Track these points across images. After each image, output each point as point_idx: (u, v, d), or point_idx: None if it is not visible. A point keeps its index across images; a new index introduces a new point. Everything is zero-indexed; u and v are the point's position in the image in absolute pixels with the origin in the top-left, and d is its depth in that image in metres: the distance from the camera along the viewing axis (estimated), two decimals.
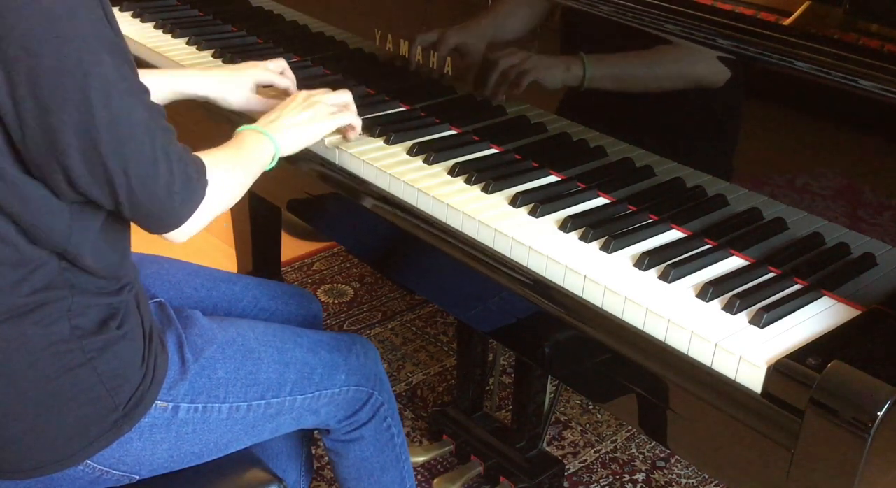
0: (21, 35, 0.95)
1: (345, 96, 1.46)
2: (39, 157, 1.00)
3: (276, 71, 1.56)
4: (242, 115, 1.53)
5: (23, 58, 0.95)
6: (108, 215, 1.11)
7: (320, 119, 1.40)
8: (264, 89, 1.56)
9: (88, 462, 1.17)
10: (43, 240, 1.06)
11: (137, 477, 1.24)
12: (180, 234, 1.14)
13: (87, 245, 1.09)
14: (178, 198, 1.08)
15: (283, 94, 1.55)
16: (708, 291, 1.13)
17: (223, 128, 1.40)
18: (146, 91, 1.07)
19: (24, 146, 1.00)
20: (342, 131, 1.48)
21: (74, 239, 1.08)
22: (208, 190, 1.13)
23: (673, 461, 2.09)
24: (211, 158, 1.17)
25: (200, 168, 1.13)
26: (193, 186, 1.10)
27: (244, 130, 1.32)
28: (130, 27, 1.97)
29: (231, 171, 1.21)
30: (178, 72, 1.49)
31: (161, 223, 1.11)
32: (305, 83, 1.65)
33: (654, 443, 2.14)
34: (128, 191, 1.04)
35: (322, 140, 1.47)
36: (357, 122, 1.47)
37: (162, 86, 1.42)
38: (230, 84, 1.50)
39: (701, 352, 1.06)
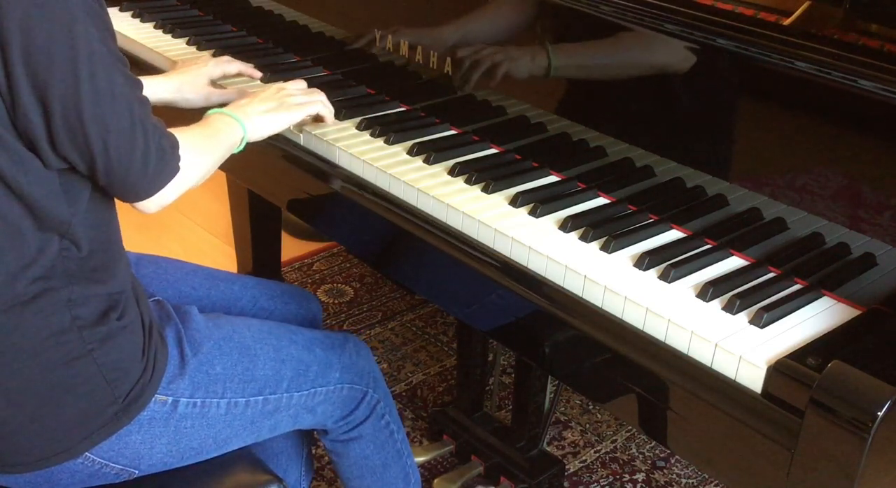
0: (16, 12, 0.98)
1: (315, 95, 1.50)
2: (29, 124, 1.03)
3: (223, 62, 1.62)
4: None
5: (17, 32, 0.98)
6: (93, 188, 1.13)
7: (288, 108, 1.43)
8: (222, 83, 1.63)
9: (88, 454, 1.18)
10: (48, 216, 1.08)
11: (137, 472, 1.24)
12: (151, 204, 1.16)
13: (79, 219, 1.11)
14: (151, 169, 1.11)
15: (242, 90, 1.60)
16: (708, 291, 1.13)
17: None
18: (126, 63, 1.10)
19: (15, 115, 1.03)
20: (314, 118, 1.52)
21: (71, 209, 1.10)
22: (181, 164, 1.16)
23: (673, 461, 2.09)
24: (183, 135, 1.20)
25: (174, 142, 1.16)
26: (167, 159, 1.13)
27: (214, 114, 1.35)
28: (130, 27, 1.97)
29: (202, 149, 1.24)
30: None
31: (134, 192, 1.13)
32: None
33: (654, 443, 2.14)
34: (105, 159, 1.07)
35: (297, 128, 1.51)
36: (325, 112, 1.50)
37: None
38: (187, 85, 1.56)
39: (701, 352, 1.06)
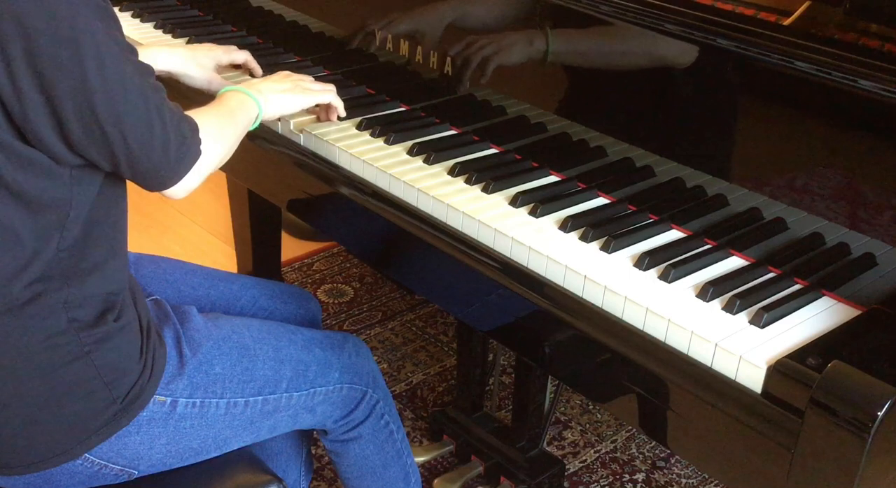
0: (13, 8, 0.97)
1: (328, 87, 1.50)
2: (40, 128, 1.02)
3: (234, 51, 1.63)
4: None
5: (17, 31, 0.97)
6: (105, 178, 1.13)
7: (303, 91, 1.44)
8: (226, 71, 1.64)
9: (87, 455, 1.18)
10: (47, 208, 1.07)
11: (136, 473, 1.24)
12: (179, 191, 1.16)
13: (85, 212, 1.11)
14: (174, 156, 1.11)
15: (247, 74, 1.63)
16: (708, 291, 1.13)
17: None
18: (135, 51, 1.10)
19: (23, 118, 1.02)
20: (321, 113, 1.53)
21: (76, 200, 1.10)
22: (202, 147, 1.15)
23: (673, 461, 2.09)
24: (201, 117, 1.19)
25: (193, 126, 1.15)
26: (188, 143, 1.13)
27: (228, 91, 1.36)
28: (130, 27, 1.97)
29: (221, 130, 1.23)
30: (143, 49, 1.51)
31: (159, 181, 1.13)
32: None
33: (654, 443, 2.14)
34: (126, 152, 1.06)
35: (297, 128, 1.52)
36: (337, 102, 1.51)
37: None
38: (192, 61, 1.56)
39: (701, 352, 1.06)
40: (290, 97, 1.42)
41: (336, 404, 1.40)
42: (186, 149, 1.13)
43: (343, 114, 1.53)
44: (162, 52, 1.54)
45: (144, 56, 1.47)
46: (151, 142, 1.08)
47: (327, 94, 1.49)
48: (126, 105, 1.04)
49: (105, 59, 1.02)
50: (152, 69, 1.12)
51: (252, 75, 1.68)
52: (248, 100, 1.34)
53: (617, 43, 1.34)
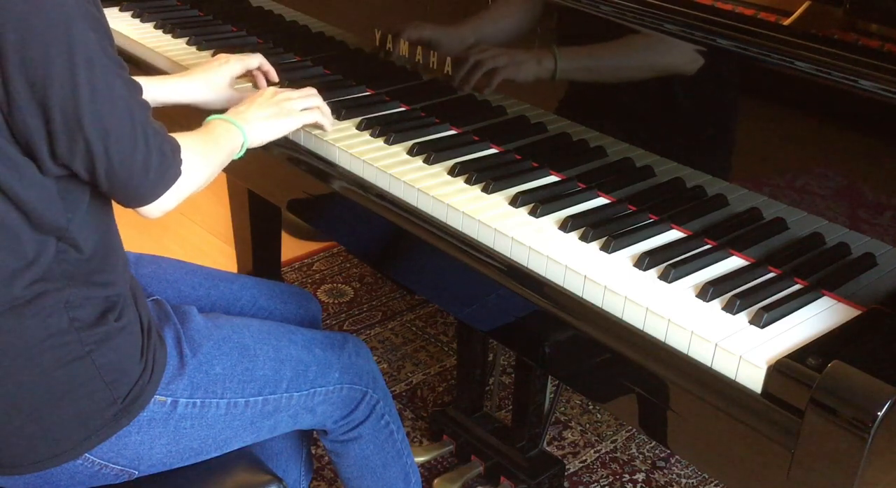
0: (12, 16, 0.97)
1: (314, 99, 1.48)
2: (27, 131, 1.03)
3: (246, 58, 1.60)
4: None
5: (14, 37, 0.98)
6: (92, 194, 1.13)
7: (286, 115, 1.43)
8: (240, 80, 1.61)
9: (87, 455, 1.18)
10: (44, 221, 1.08)
11: (136, 473, 1.24)
12: (154, 210, 1.16)
13: (76, 224, 1.11)
14: (153, 174, 1.11)
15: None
16: (708, 291, 1.13)
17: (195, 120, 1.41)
18: (125, 67, 1.10)
19: (13, 121, 1.03)
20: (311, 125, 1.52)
21: (68, 215, 1.10)
22: (182, 168, 1.16)
23: (673, 461, 2.09)
24: (185, 140, 1.19)
25: (175, 146, 1.16)
26: (168, 163, 1.13)
27: (214, 120, 1.35)
28: (130, 27, 1.97)
29: (204, 153, 1.23)
30: (157, 81, 1.50)
31: (136, 197, 1.13)
32: (305, 83, 1.65)
33: (654, 443, 2.14)
34: (106, 164, 1.07)
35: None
36: (324, 121, 1.49)
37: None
38: (210, 87, 1.53)
39: (701, 352, 1.06)
40: (276, 122, 1.40)
41: (336, 404, 1.40)
42: (166, 168, 1.13)
43: (329, 129, 1.51)
44: (176, 83, 1.51)
45: (159, 89, 1.47)
46: (133, 157, 1.08)
47: (313, 113, 1.47)
48: (112, 118, 1.05)
49: (96, 71, 1.03)
50: (141, 87, 1.13)
51: (267, 79, 1.63)
52: (234, 129, 1.34)
53: (617, 43, 1.34)
